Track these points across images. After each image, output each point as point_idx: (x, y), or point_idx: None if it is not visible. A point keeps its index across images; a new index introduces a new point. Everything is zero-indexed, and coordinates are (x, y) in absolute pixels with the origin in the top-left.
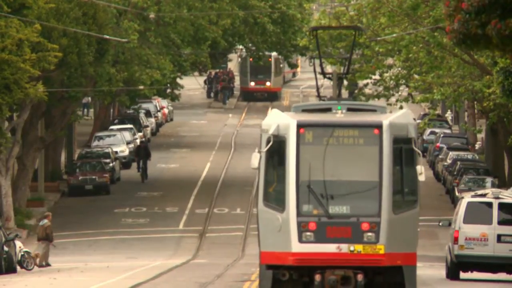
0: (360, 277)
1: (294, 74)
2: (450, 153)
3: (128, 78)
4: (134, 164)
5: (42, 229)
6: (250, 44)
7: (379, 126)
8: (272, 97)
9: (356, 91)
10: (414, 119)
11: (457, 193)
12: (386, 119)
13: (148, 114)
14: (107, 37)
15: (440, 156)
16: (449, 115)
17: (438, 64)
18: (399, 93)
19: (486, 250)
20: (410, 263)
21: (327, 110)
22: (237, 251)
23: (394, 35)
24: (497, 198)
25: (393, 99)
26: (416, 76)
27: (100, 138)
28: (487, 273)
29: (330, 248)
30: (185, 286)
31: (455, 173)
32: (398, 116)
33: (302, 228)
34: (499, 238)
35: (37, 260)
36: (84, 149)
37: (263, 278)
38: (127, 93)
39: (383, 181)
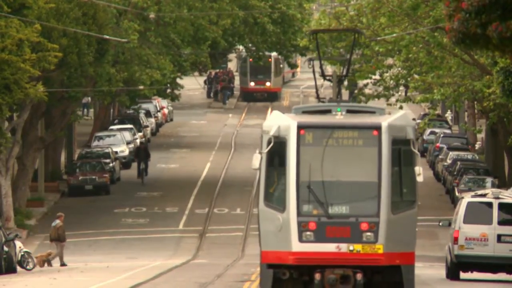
0: (359, 276)
1: (293, 74)
2: (450, 153)
3: (128, 78)
4: (134, 164)
5: (54, 230)
6: (250, 44)
7: (378, 128)
8: (272, 97)
9: (356, 91)
10: (414, 119)
11: (457, 193)
12: (385, 121)
13: (148, 114)
14: (107, 37)
15: (440, 156)
16: (449, 115)
17: (438, 64)
18: (399, 93)
19: (486, 250)
20: (409, 263)
21: (327, 111)
22: (237, 251)
23: (394, 35)
24: (497, 198)
25: (393, 99)
26: (416, 76)
27: (100, 138)
28: (487, 273)
29: (329, 247)
30: (185, 286)
31: (455, 173)
32: (397, 118)
33: (302, 227)
34: (499, 238)
35: (48, 259)
36: (84, 149)
37: (264, 277)
38: (127, 93)
39: (382, 182)
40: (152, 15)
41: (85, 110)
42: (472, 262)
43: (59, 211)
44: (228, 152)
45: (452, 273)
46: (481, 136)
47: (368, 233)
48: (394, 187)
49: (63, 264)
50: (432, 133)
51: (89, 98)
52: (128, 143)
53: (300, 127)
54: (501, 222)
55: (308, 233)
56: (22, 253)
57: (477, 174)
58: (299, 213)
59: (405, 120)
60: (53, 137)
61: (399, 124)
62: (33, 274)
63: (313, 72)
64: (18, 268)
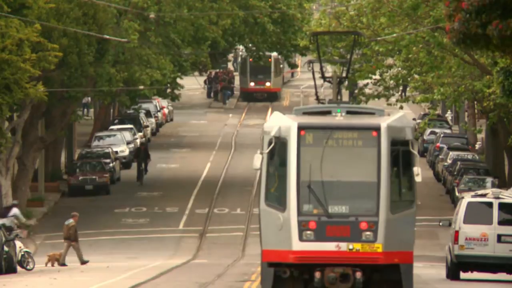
0: (358, 274)
1: (292, 75)
2: (450, 153)
3: (128, 78)
4: (135, 165)
5: (67, 229)
6: (250, 44)
7: (377, 129)
8: (272, 97)
9: (356, 91)
10: (414, 119)
11: (457, 193)
12: (384, 122)
13: (148, 114)
14: (107, 37)
15: (440, 156)
16: (449, 115)
17: (438, 64)
18: (399, 93)
19: (486, 250)
20: (407, 261)
21: (327, 113)
22: (237, 251)
23: (394, 35)
24: (497, 198)
25: (393, 99)
26: (416, 76)
27: (100, 138)
28: (487, 273)
29: (329, 246)
30: (185, 286)
31: (455, 173)
32: (396, 119)
33: (302, 227)
34: (499, 238)
35: (60, 259)
36: (84, 149)
37: (265, 276)
38: (127, 93)
39: (381, 182)
40: (152, 15)
41: (85, 110)
42: (472, 262)
43: (60, 211)
44: (228, 152)
45: (452, 273)
46: (481, 136)
47: (368, 232)
48: (393, 187)
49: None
50: (432, 133)
51: (89, 98)
52: (128, 143)
53: (300, 128)
54: (501, 222)
55: (308, 232)
56: (22, 253)
57: (477, 174)
58: (299, 213)
59: (404, 122)
60: (53, 137)
61: (398, 125)
62: (33, 274)
63: (313, 74)
64: (18, 268)
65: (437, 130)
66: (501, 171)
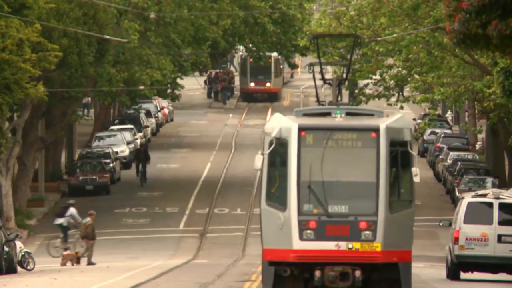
0: (358, 273)
1: (292, 75)
2: (451, 153)
3: (128, 78)
4: (134, 165)
5: (84, 228)
6: (250, 45)
7: (376, 130)
8: (272, 98)
9: (356, 91)
10: (415, 119)
11: (457, 193)
12: (383, 123)
13: (148, 114)
14: (108, 37)
15: (440, 157)
16: (449, 115)
17: (439, 64)
18: (399, 92)
19: (487, 250)
20: (406, 260)
21: (327, 114)
22: (237, 251)
23: (395, 35)
24: (498, 198)
25: (393, 99)
26: (416, 76)
27: (101, 138)
28: (487, 273)
29: (329, 245)
30: (186, 286)
31: (455, 173)
32: (395, 120)
33: (302, 226)
34: (499, 238)
35: (78, 257)
36: (85, 149)
37: (266, 274)
38: (127, 93)
39: (380, 182)
40: (152, 15)
41: (86, 110)
42: (473, 262)
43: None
44: (229, 152)
45: (453, 273)
46: (481, 136)
47: (367, 232)
48: (392, 187)
49: (90, 263)
50: (432, 133)
51: (90, 98)
52: (128, 143)
53: (301, 129)
54: (501, 222)
55: (308, 231)
56: (23, 253)
57: (478, 174)
58: (299, 212)
59: (402, 123)
60: (54, 137)
61: (396, 126)
62: (33, 274)
63: (313, 76)
64: (19, 268)
65: (437, 130)
66: (501, 171)
